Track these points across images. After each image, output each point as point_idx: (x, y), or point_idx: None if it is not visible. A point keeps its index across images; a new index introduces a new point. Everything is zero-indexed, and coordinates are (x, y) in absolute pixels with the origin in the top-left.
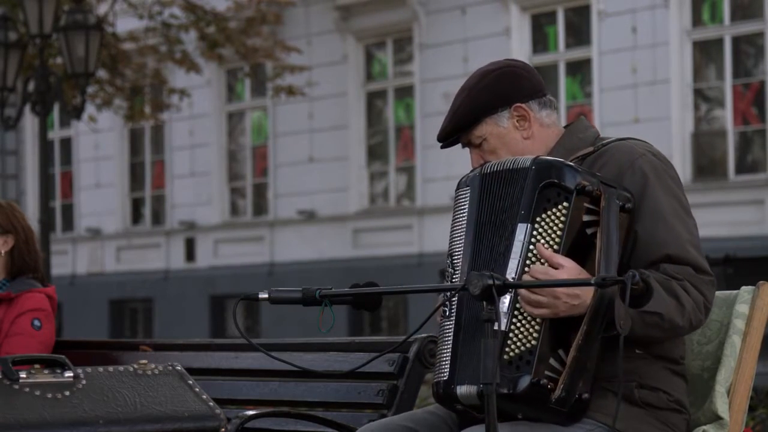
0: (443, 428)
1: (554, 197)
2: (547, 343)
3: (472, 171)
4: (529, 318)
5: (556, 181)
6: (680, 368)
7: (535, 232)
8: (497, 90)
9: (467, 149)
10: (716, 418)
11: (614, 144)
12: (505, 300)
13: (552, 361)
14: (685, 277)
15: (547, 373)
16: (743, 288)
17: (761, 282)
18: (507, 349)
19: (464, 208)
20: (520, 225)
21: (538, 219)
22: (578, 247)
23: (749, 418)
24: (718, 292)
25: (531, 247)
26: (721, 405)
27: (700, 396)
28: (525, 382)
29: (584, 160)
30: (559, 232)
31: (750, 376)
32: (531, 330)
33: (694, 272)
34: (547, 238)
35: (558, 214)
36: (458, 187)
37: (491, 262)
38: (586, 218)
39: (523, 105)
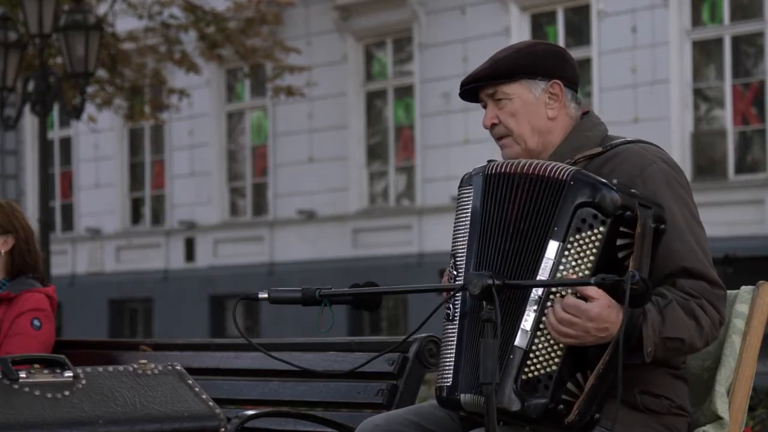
0: (448, 422)
1: (590, 219)
2: (567, 368)
3: (474, 169)
4: (552, 341)
5: (595, 202)
6: (681, 372)
7: (566, 253)
8: (544, 60)
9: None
10: (716, 418)
11: (624, 147)
12: (529, 318)
13: (570, 385)
14: (702, 294)
15: (563, 397)
16: (743, 288)
17: (761, 282)
18: (526, 369)
19: (467, 209)
20: (551, 242)
21: (571, 239)
22: (608, 272)
23: (749, 418)
24: None
25: (560, 267)
26: (721, 405)
27: (700, 396)
28: (539, 406)
29: (591, 161)
30: (591, 257)
31: (750, 375)
32: (553, 354)
33: (709, 287)
34: (579, 262)
35: (593, 238)
36: (462, 184)
37: (507, 268)
38: (619, 242)
39: (561, 85)
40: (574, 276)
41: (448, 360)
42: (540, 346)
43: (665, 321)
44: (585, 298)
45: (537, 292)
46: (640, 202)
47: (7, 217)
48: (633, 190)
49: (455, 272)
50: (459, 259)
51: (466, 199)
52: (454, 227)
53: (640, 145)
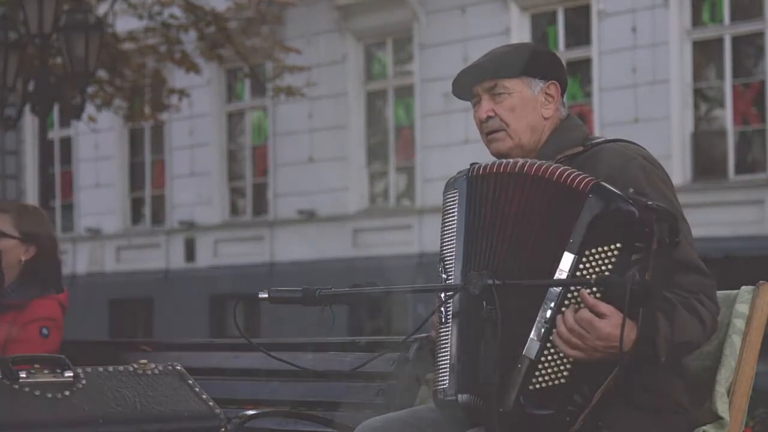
0: (446, 426)
1: (607, 234)
2: (575, 380)
3: (459, 173)
4: (562, 354)
5: (613, 216)
6: (679, 369)
7: (581, 266)
8: (544, 61)
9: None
10: (716, 418)
11: (604, 146)
12: (539, 328)
13: (576, 396)
14: (698, 289)
15: (569, 408)
16: (743, 288)
17: (761, 282)
18: (533, 380)
19: (453, 212)
20: (566, 254)
21: (586, 253)
22: None
23: (749, 418)
24: (718, 292)
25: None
26: (721, 405)
27: (700, 396)
28: (545, 417)
29: (573, 160)
30: (606, 272)
31: (750, 376)
32: (562, 366)
33: (703, 279)
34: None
35: (609, 253)
36: (446, 189)
37: (506, 269)
38: (634, 257)
39: (558, 87)
40: (588, 292)
41: (444, 362)
42: (549, 357)
43: (674, 327)
44: (598, 315)
45: (549, 303)
46: (656, 215)
47: (34, 226)
48: (650, 203)
49: (444, 275)
50: (448, 261)
51: (452, 202)
52: (442, 231)
53: (620, 144)
